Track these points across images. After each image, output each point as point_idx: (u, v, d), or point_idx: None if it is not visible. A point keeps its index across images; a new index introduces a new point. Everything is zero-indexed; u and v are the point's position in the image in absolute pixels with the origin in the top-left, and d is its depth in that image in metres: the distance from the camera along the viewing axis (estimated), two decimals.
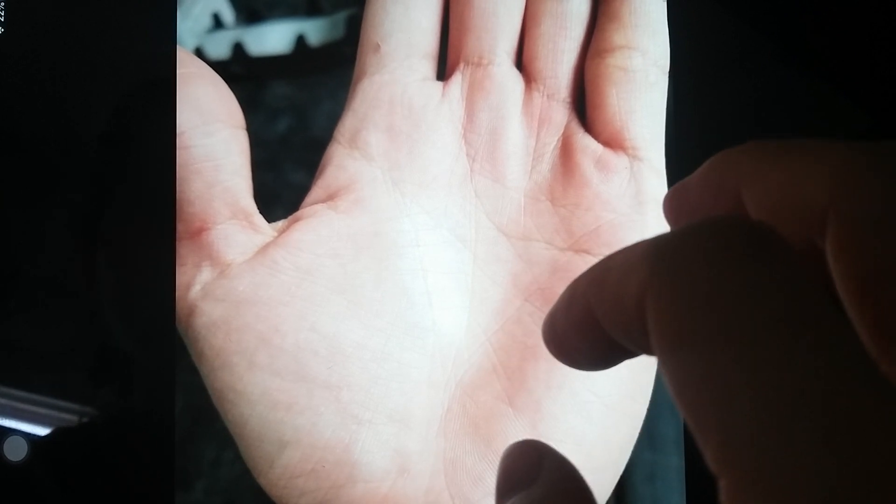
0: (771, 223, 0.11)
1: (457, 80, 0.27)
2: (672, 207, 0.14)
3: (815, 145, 0.12)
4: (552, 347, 0.14)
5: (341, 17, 0.29)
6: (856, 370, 0.09)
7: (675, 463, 0.27)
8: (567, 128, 0.27)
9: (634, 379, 0.25)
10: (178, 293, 0.24)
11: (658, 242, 0.11)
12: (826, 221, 0.11)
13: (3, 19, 0.26)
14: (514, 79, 0.27)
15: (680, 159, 0.27)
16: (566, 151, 0.26)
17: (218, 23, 0.29)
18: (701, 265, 0.10)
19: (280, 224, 0.26)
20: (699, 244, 0.11)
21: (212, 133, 0.25)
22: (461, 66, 0.27)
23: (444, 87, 0.27)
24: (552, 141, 0.27)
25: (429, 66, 0.27)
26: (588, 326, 0.12)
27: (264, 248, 0.25)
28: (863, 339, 0.11)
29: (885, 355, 0.10)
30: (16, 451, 0.26)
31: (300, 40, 0.29)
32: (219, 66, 0.26)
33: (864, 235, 0.11)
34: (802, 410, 0.09)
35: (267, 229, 0.25)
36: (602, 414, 0.25)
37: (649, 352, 0.11)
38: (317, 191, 0.26)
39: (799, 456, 0.09)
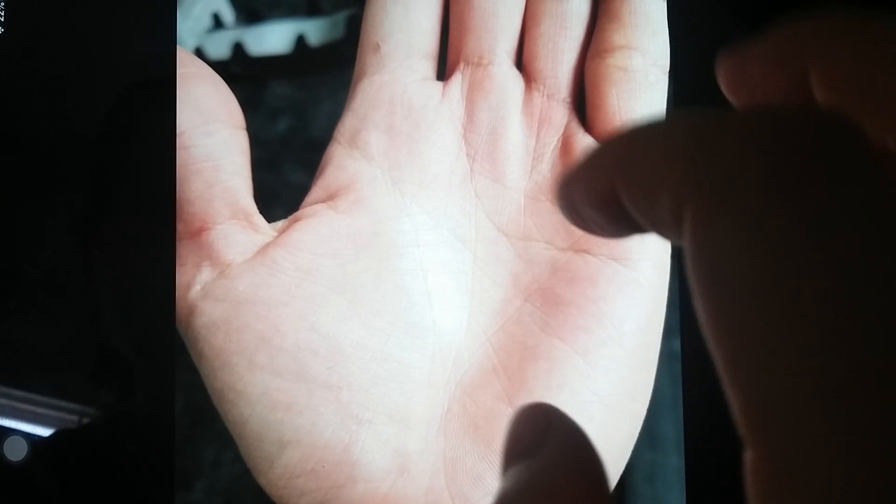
0: (846, 115, 0.09)
1: (457, 80, 0.27)
2: (727, 74, 0.12)
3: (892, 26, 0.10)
4: (566, 214, 0.12)
5: (341, 17, 0.29)
6: None
7: (675, 463, 0.27)
8: (567, 128, 0.27)
9: (634, 378, 0.25)
10: (178, 293, 0.24)
11: (702, 132, 0.09)
12: None
13: (3, 19, 0.26)
14: (514, 79, 0.27)
15: None
16: (566, 151, 0.26)
17: (218, 23, 0.29)
18: (755, 186, 0.08)
19: (280, 224, 0.26)
20: (755, 150, 0.09)
21: (212, 133, 0.25)
22: (461, 66, 0.27)
23: (444, 87, 0.27)
24: (552, 141, 0.27)
25: (429, 66, 0.27)
26: (610, 203, 0.11)
27: (264, 248, 0.25)
28: None
29: None
30: (16, 451, 0.26)
31: (300, 40, 0.29)
32: (219, 66, 0.26)
33: None
34: (854, 392, 0.07)
35: (267, 229, 0.25)
36: (602, 414, 0.25)
37: (673, 240, 0.10)
38: (317, 191, 0.26)
39: (843, 447, 0.07)
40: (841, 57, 0.10)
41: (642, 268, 0.25)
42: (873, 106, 0.09)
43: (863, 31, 0.10)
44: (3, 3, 0.26)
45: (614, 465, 0.25)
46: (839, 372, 0.08)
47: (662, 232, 0.10)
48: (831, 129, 0.09)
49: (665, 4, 0.26)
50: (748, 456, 0.08)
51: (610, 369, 0.25)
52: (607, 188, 0.10)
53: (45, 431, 0.26)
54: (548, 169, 0.26)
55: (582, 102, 0.27)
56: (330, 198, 0.26)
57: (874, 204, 0.08)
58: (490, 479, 0.24)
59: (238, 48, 0.29)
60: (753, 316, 0.08)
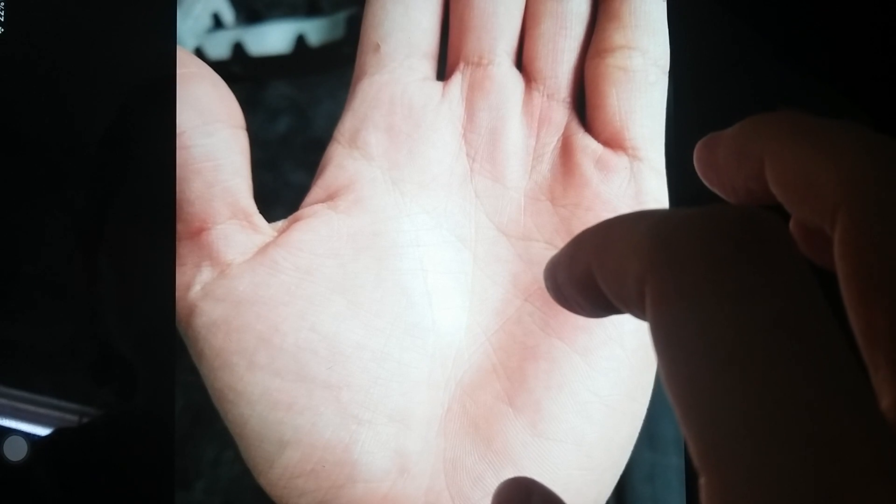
0: (778, 216, 0.11)
1: (457, 80, 0.27)
2: (700, 160, 0.14)
3: (838, 133, 0.12)
4: (552, 293, 0.14)
5: (341, 17, 0.29)
6: (841, 382, 0.09)
7: (674, 463, 0.27)
8: (567, 128, 0.27)
9: (634, 379, 0.25)
10: (178, 293, 0.24)
11: (660, 230, 0.11)
12: (836, 217, 0.11)
13: (3, 19, 0.26)
14: (514, 79, 0.27)
15: (680, 159, 0.27)
16: (566, 151, 0.26)
17: (218, 23, 0.29)
18: (700, 264, 0.11)
19: (280, 224, 0.26)
20: (701, 240, 0.11)
21: (212, 133, 0.25)
22: (461, 66, 0.27)
23: (444, 87, 0.27)
24: (552, 141, 0.27)
25: (429, 66, 0.27)
26: (587, 285, 0.13)
27: (264, 248, 0.25)
28: (858, 344, 0.11)
29: (871, 362, 0.11)
30: (16, 451, 0.26)
31: (300, 40, 0.29)
32: (219, 66, 0.26)
33: (869, 239, 0.11)
34: (787, 420, 0.09)
35: (267, 229, 0.25)
36: (602, 414, 0.25)
37: (641, 318, 0.12)
38: (317, 191, 0.26)
39: (781, 468, 0.09)
40: (788, 155, 0.12)
41: None
42: (811, 198, 0.12)
43: (806, 130, 0.12)
44: (3, 3, 0.26)
45: (614, 465, 0.25)
46: (766, 414, 0.09)
47: (631, 310, 0.12)
48: (760, 232, 0.11)
49: (665, 4, 0.26)
50: (701, 482, 0.10)
51: (610, 369, 0.25)
52: (586, 273, 0.13)
53: (45, 431, 0.26)
54: (548, 169, 0.26)
55: (582, 102, 0.27)
56: (330, 198, 0.26)
57: (790, 287, 0.10)
58: (490, 479, 0.24)
59: (238, 48, 0.29)
60: (700, 375, 0.10)
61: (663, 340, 0.11)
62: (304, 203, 0.26)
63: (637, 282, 0.11)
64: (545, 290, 0.26)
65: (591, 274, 0.13)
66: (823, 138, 0.12)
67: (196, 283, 0.24)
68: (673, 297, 0.11)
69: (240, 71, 0.29)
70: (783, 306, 0.10)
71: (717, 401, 0.10)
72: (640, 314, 0.11)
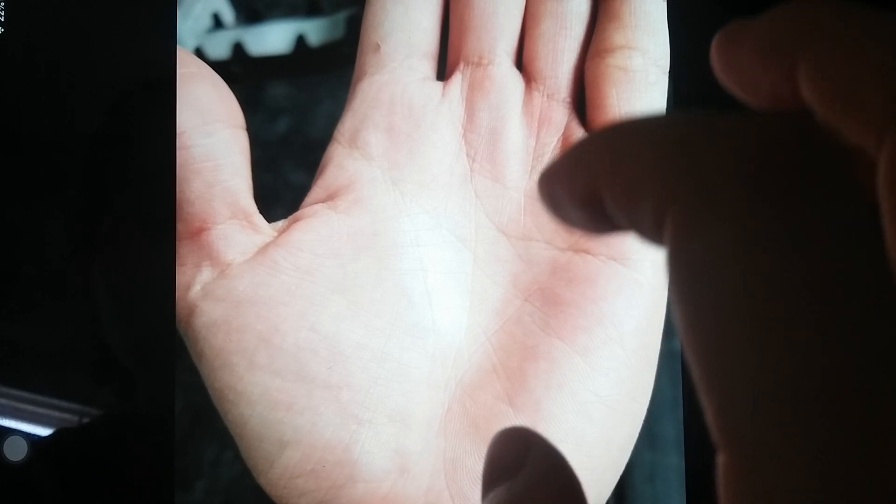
0: (828, 128, 0.09)
1: (457, 80, 0.27)
2: (719, 53, 0.12)
3: (893, 30, 0.09)
4: (549, 209, 0.12)
5: (341, 17, 0.29)
6: (888, 360, 0.08)
7: (675, 463, 0.27)
8: (567, 128, 0.27)
9: (634, 379, 0.25)
10: (178, 293, 0.24)
11: (689, 143, 0.09)
12: (884, 139, 0.09)
13: (3, 19, 0.26)
14: (514, 79, 0.27)
15: None
16: None
17: (218, 23, 0.29)
18: (738, 195, 0.09)
19: (280, 224, 0.26)
20: (742, 160, 0.09)
21: (212, 133, 0.25)
22: (461, 66, 0.27)
23: (444, 87, 0.27)
24: (552, 141, 0.27)
25: (429, 66, 0.27)
26: (589, 201, 0.11)
27: (264, 248, 0.25)
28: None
29: None
30: (16, 451, 0.26)
31: (300, 40, 0.29)
32: (219, 66, 0.26)
33: None
34: (829, 397, 0.08)
35: (267, 229, 0.25)
36: (602, 414, 0.25)
37: (654, 244, 0.10)
38: (317, 191, 0.26)
39: (810, 452, 0.08)
40: (828, 53, 0.10)
41: (642, 268, 0.25)
42: (854, 111, 0.09)
43: (854, 25, 0.10)
44: (3, 3, 0.26)
45: (614, 465, 0.25)
46: (813, 382, 0.08)
47: (643, 234, 0.10)
48: (813, 142, 0.09)
49: (665, 4, 0.26)
50: (720, 459, 0.08)
51: (610, 369, 0.25)
52: (590, 188, 0.10)
53: (45, 431, 0.26)
54: None
55: (582, 102, 0.27)
56: (330, 198, 0.26)
57: (854, 216, 0.08)
58: None
59: (238, 48, 0.29)
60: (730, 323, 0.08)
61: (683, 282, 0.09)
62: (304, 203, 0.26)
63: (656, 206, 0.09)
64: (545, 290, 0.26)
65: (597, 189, 0.10)
66: (876, 36, 0.09)
67: (196, 283, 0.24)
68: (702, 231, 0.09)
69: (240, 71, 0.29)
70: (840, 259, 0.08)
71: (746, 365, 0.08)
72: (652, 240, 0.10)
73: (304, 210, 0.26)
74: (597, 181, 0.10)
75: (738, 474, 0.08)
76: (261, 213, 0.25)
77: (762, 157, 0.09)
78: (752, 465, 0.08)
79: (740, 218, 0.09)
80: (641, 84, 0.26)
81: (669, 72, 0.26)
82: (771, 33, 0.11)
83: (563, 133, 0.27)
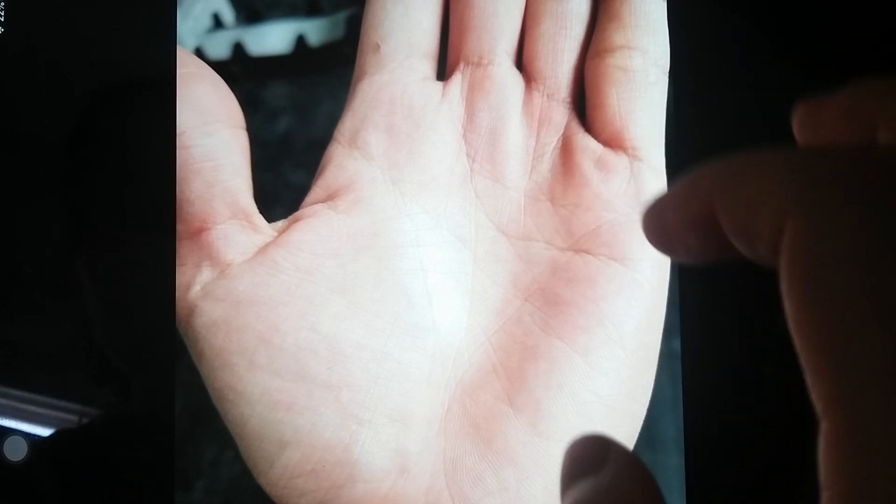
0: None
1: (457, 80, 0.27)
2: (800, 121, 0.13)
3: None
4: (653, 237, 0.13)
5: (341, 17, 0.29)
6: None
7: (675, 463, 0.27)
8: (567, 128, 0.27)
9: (634, 379, 0.25)
10: (178, 293, 0.24)
11: (809, 162, 0.11)
12: None
13: (3, 19, 0.26)
14: (514, 79, 0.27)
15: (680, 159, 0.27)
16: (566, 151, 0.26)
17: (218, 23, 0.29)
18: (862, 208, 0.10)
19: (280, 224, 0.26)
20: (860, 179, 0.10)
21: (212, 133, 0.25)
22: (461, 66, 0.27)
23: (444, 87, 0.27)
24: (552, 141, 0.27)
25: (429, 66, 0.27)
26: (704, 224, 0.12)
27: (264, 248, 0.25)
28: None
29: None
30: (16, 451, 0.26)
31: (300, 40, 0.29)
32: (219, 66, 0.26)
33: None
34: None
35: (267, 229, 0.25)
36: (602, 414, 0.25)
37: (767, 265, 0.11)
38: (317, 191, 0.26)
39: None
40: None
41: (642, 268, 0.25)
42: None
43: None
44: (3, 3, 0.26)
45: None
46: None
47: (755, 245, 0.11)
48: None
49: (665, 4, 0.26)
50: (825, 428, 0.09)
51: (610, 369, 0.25)
52: (705, 209, 0.12)
53: (45, 431, 0.26)
54: (548, 169, 0.26)
55: (582, 102, 0.27)
56: (330, 198, 0.26)
57: None
58: (490, 479, 0.24)
59: (238, 48, 0.29)
60: (847, 310, 0.10)
61: (802, 276, 0.10)
62: (304, 203, 0.26)
63: (776, 211, 0.10)
64: (545, 290, 0.26)
65: (711, 210, 0.12)
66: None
67: (196, 283, 0.24)
68: (824, 225, 0.10)
69: (240, 71, 0.29)
70: None
71: (861, 347, 0.09)
72: (767, 251, 0.11)
73: (304, 210, 0.26)
74: (713, 201, 0.12)
75: (842, 440, 0.09)
76: (261, 213, 0.25)
77: (880, 170, 0.10)
78: (858, 432, 0.09)
79: (860, 223, 0.10)
80: (641, 84, 0.26)
81: (669, 72, 0.26)
82: (852, 100, 0.12)
83: (563, 133, 0.27)
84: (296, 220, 0.25)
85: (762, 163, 0.11)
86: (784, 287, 0.10)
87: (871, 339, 0.09)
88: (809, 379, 0.10)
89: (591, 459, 0.13)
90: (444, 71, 0.27)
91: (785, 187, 0.10)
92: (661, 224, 0.13)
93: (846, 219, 0.10)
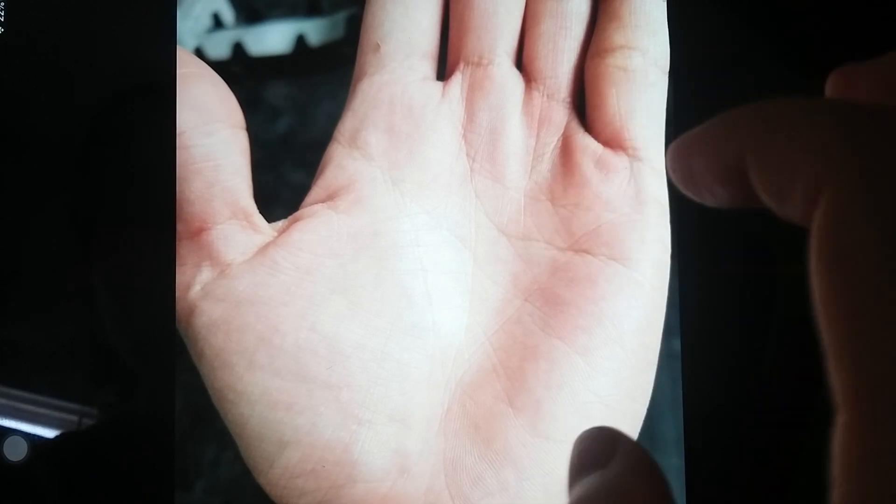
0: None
1: (457, 80, 0.27)
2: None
3: None
4: (679, 180, 0.12)
5: (341, 17, 0.29)
6: None
7: (675, 463, 0.27)
8: (567, 128, 0.27)
9: (634, 379, 0.25)
10: (178, 293, 0.24)
11: (848, 128, 0.10)
12: None
13: (3, 19, 0.26)
14: (514, 79, 0.27)
15: None
16: (566, 151, 0.26)
17: (218, 23, 0.29)
18: None
19: (280, 224, 0.26)
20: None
21: (212, 133, 0.25)
22: (461, 66, 0.27)
23: (444, 87, 0.27)
24: (552, 141, 0.27)
25: (429, 66, 0.27)
26: (734, 177, 0.11)
27: (264, 248, 0.25)
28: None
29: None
30: (16, 451, 0.26)
31: (300, 40, 0.29)
32: (219, 66, 0.26)
33: None
34: None
35: (267, 229, 0.25)
36: (602, 414, 0.25)
37: (797, 222, 0.10)
38: (317, 191, 0.26)
39: None
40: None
41: (642, 268, 0.25)
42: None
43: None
44: (2, 3, 0.26)
45: None
46: None
47: (787, 209, 0.10)
48: None
49: (665, 4, 0.26)
50: (841, 420, 0.09)
51: (610, 369, 0.25)
52: (737, 162, 0.11)
53: (45, 431, 0.26)
54: (548, 169, 0.26)
55: (582, 102, 0.27)
56: (330, 198, 0.26)
57: None
58: (490, 479, 0.24)
59: (238, 48, 0.29)
60: (877, 298, 0.09)
61: (835, 254, 0.09)
62: (304, 203, 0.26)
63: (812, 181, 0.10)
64: (545, 290, 0.26)
65: (743, 164, 0.11)
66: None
67: (196, 283, 0.24)
68: (862, 202, 0.09)
69: (240, 71, 0.29)
70: None
71: (888, 340, 0.09)
72: (797, 216, 0.10)
73: (304, 210, 0.26)
74: (746, 153, 0.11)
75: (859, 433, 0.09)
76: (261, 213, 0.25)
77: None
78: (875, 426, 0.09)
79: None
80: (641, 84, 0.26)
81: (669, 72, 0.26)
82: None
83: (563, 133, 0.27)
84: (296, 220, 0.25)
85: (801, 118, 0.10)
86: (813, 263, 0.09)
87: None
88: (830, 366, 0.09)
89: (598, 453, 0.12)
90: (444, 71, 0.27)
91: (824, 152, 0.10)
92: (687, 169, 0.12)
93: (888, 197, 0.09)
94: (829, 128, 0.10)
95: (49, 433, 0.26)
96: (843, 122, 0.10)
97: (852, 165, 0.09)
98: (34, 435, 0.26)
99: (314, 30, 0.29)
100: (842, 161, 0.09)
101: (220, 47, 0.29)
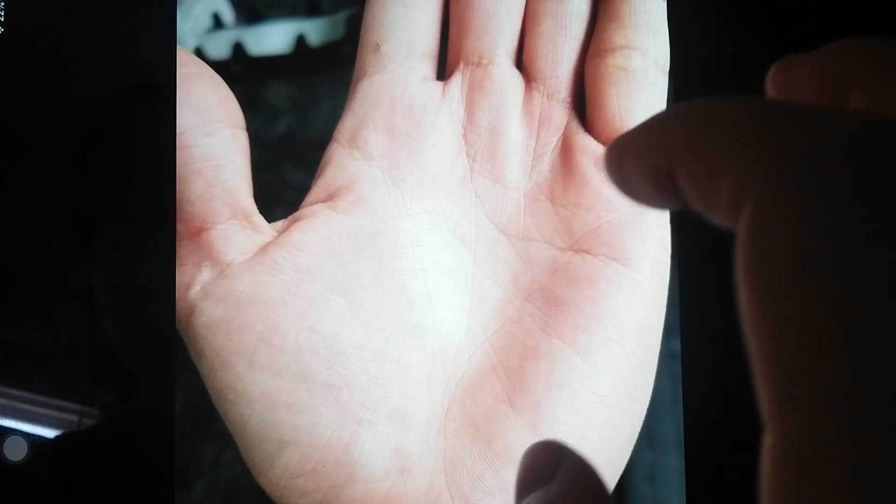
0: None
1: (457, 80, 0.27)
2: (774, 83, 0.12)
3: None
4: (613, 178, 0.12)
5: (341, 17, 0.29)
6: None
7: (675, 463, 0.27)
8: (567, 127, 0.27)
9: (634, 379, 0.25)
10: (178, 293, 0.24)
11: (776, 133, 0.09)
12: None
13: (3, 19, 0.26)
14: (514, 79, 0.27)
15: None
16: (566, 151, 0.26)
17: (218, 23, 0.29)
18: (823, 189, 0.09)
19: (280, 224, 0.26)
20: (827, 154, 0.09)
21: (212, 133, 0.25)
22: (461, 66, 0.27)
23: (444, 87, 0.27)
24: (552, 141, 0.27)
25: (429, 66, 0.27)
26: (662, 178, 0.11)
27: (264, 248, 0.25)
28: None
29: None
30: (16, 451, 0.26)
31: (300, 40, 0.29)
32: (219, 66, 0.26)
33: None
34: (885, 396, 0.08)
35: (267, 229, 0.25)
36: (602, 414, 0.25)
37: (724, 226, 0.10)
38: (317, 191, 0.26)
39: (864, 440, 0.08)
40: (881, 84, 0.10)
41: (642, 268, 0.25)
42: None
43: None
44: (2, 3, 0.26)
45: (614, 465, 0.25)
46: (873, 376, 0.08)
47: (714, 215, 0.10)
48: None
49: (665, 4, 0.26)
50: (768, 439, 0.09)
51: (610, 369, 0.25)
52: (665, 164, 0.11)
53: (45, 431, 0.26)
54: (548, 169, 0.26)
55: (582, 102, 0.27)
56: (330, 198, 0.26)
57: None
58: (490, 479, 0.24)
59: (238, 48, 0.29)
60: (800, 310, 0.08)
61: (758, 263, 0.09)
62: (304, 203, 0.26)
63: (735, 188, 0.09)
64: (545, 290, 0.26)
65: (672, 165, 0.10)
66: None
67: (196, 283, 0.24)
68: (784, 210, 0.09)
69: (240, 71, 0.29)
70: None
71: (814, 349, 0.08)
72: (724, 221, 0.10)
73: (304, 210, 0.26)
74: (673, 157, 0.10)
75: (785, 452, 0.08)
76: (261, 213, 0.25)
77: (852, 155, 0.09)
78: (805, 447, 0.08)
79: (822, 212, 0.09)
80: (641, 84, 0.26)
81: (669, 72, 0.26)
82: (825, 64, 0.11)
83: (563, 133, 0.27)
84: (296, 220, 0.25)
85: (725, 121, 0.10)
86: (737, 273, 0.09)
87: (827, 347, 0.08)
88: (756, 381, 0.09)
89: (543, 469, 0.12)
90: (444, 71, 0.27)
91: (746, 158, 0.09)
92: (621, 170, 0.12)
93: (812, 202, 0.09)
94: (754, 134, 0.09)
95: (49, 433, 0.26)
96: (768, 127, 0.09)
97: (775, 173, 0.09)
98: (34, 435, 0.26)
99: (314, 30, 0.29)
100: (764, 168, 0.09)
101: (220, 47, 0.29)
